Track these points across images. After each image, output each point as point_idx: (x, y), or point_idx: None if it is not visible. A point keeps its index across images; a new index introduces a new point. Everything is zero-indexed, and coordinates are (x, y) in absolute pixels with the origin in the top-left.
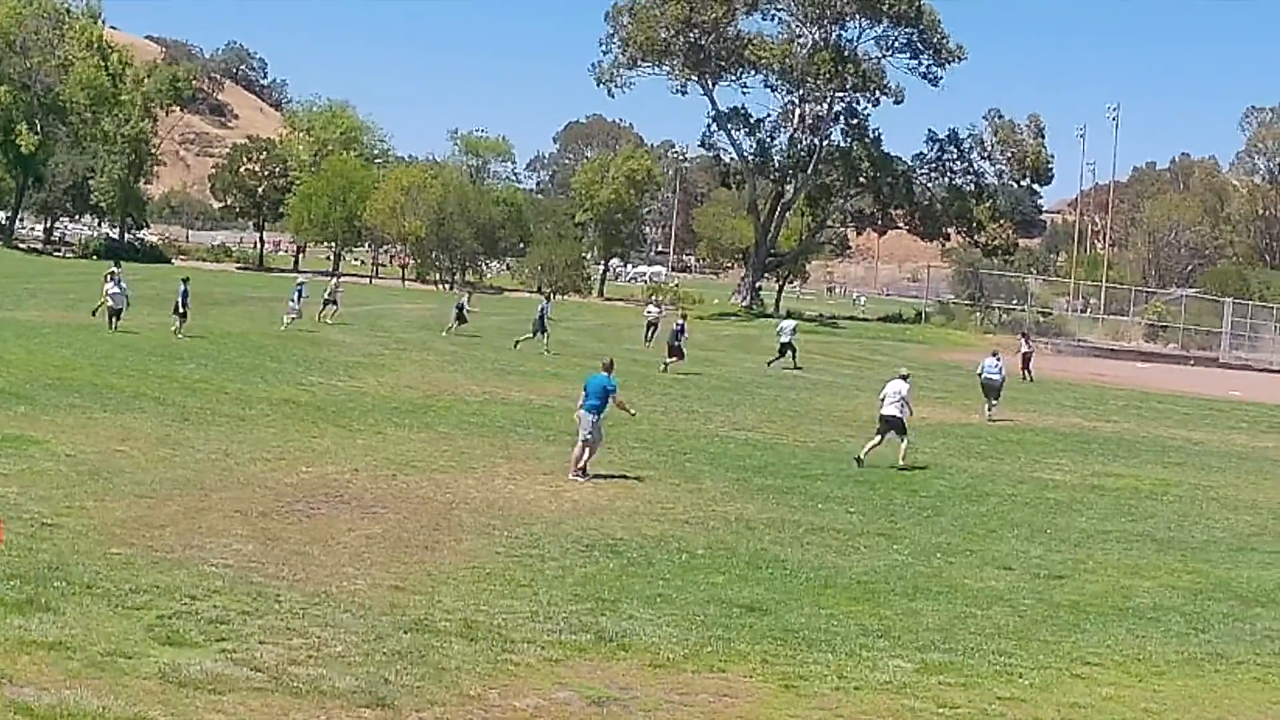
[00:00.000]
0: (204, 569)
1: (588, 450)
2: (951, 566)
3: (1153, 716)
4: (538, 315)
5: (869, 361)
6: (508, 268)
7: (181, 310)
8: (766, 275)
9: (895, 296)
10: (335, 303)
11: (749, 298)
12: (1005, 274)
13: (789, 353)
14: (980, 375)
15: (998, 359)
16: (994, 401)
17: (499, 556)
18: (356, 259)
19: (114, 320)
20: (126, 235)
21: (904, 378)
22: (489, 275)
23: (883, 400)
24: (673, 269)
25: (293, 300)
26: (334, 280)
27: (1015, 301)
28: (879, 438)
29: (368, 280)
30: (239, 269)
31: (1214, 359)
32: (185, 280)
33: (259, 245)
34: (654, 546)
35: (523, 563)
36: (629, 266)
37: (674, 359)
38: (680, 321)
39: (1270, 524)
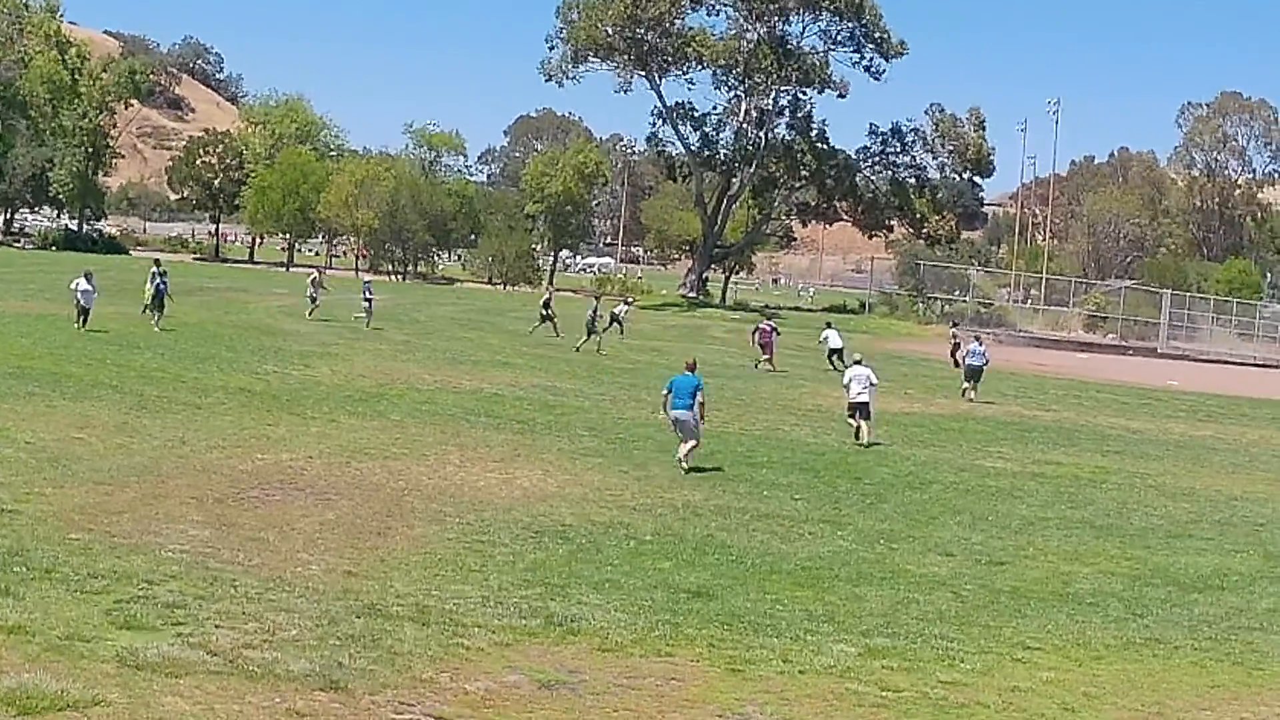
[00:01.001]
0: (161, 554)
1: (694, 444)
2: (895, 553)
3: (1092, 700)
4: (589, 317)
5: (814, 352)
6: (459, 259)
7: (161, 303)
8: (713, 266)
9: (839, 287)
10: (316, 300)
11: (696, 289)
12: (947, 265)
13: (835, 358)
14: (965, 360)
15: (981, 343)
16: (976, 384)
17: (450, 542)
18: (311, 250)
19: (83, 318)
20: (85, 226)
21: (859, 362)
22: (441, 266)
23: (848, 387)
24: (621, 260)
25: (365, 300)
26: (316, 274)
27: (957, 292)
28: (856, 423)
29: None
30: (195, 260)
31: (1152, 349)
32: (164, 274)
33: (215, 237)
34: (602, 533)
35: (474, 549)
36: (578, 258)
37: (766, 356)
38: (770, 324)
39: (1207, 511)
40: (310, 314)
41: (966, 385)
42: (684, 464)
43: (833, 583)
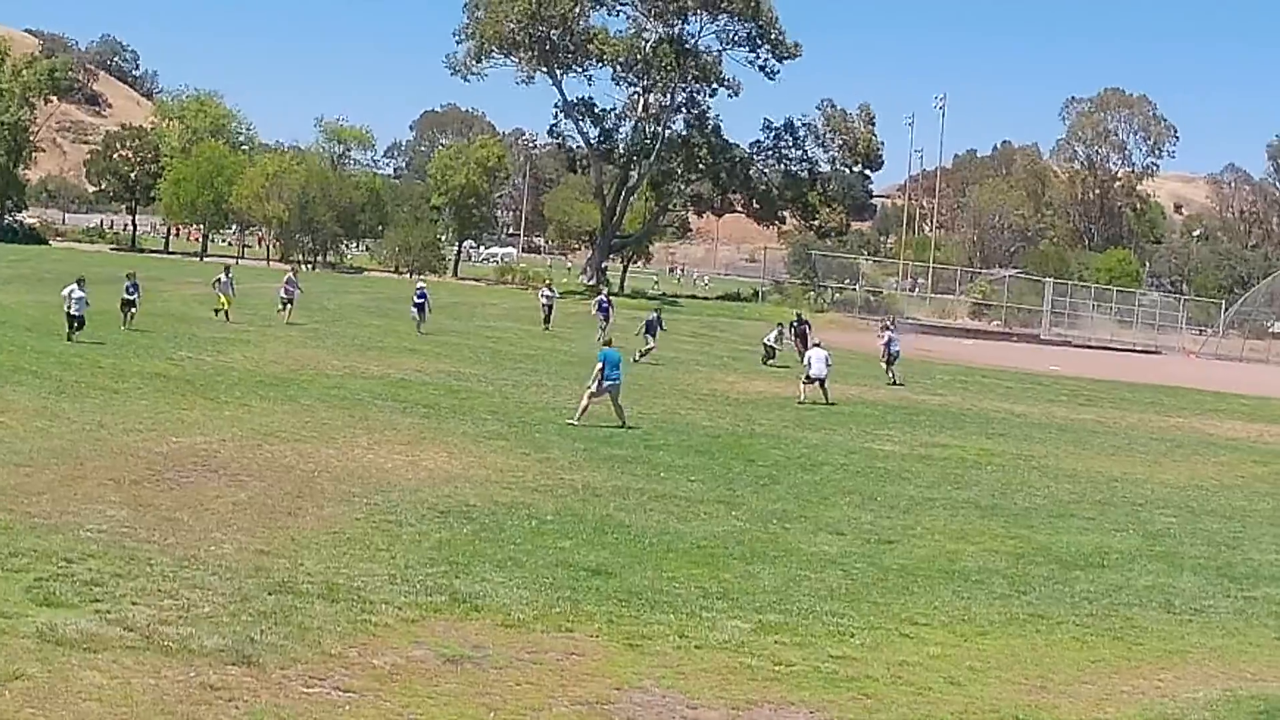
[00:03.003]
0: (79, 534)
1: (618, 407)
2: (787, 532)
3: (977, 674)
4: (645, 325)
5: (708, 337)
6: (367, 249)
7: (130, 301)
8: (612, 256)
9: (734, 276)
10: (291, 300)
11: (595, 278)
12: (838, 255)
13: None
14: (889, 347)
15: (894, 331)
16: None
17: (358, 522)
18: (225, 240)
19: (75, 327)
20: (6, 218)
21: (818, 345)
22: (349, 256)
23: (809, 364)
24: (523, 250)
25: (416, 302)
26: (291, 273)
27: (847, 281)
28: (807, 387)
29: (235, 261)
30: (113, 250)
31: (1035, 335)
32: (130, 275)
33: (132, 227)
34: (505, 513)
35: (381, 528)
36: (481, 248)
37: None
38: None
39: (1088, 492)
40: (285, 315)
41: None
42: (624, 420)
43: (727, 561)
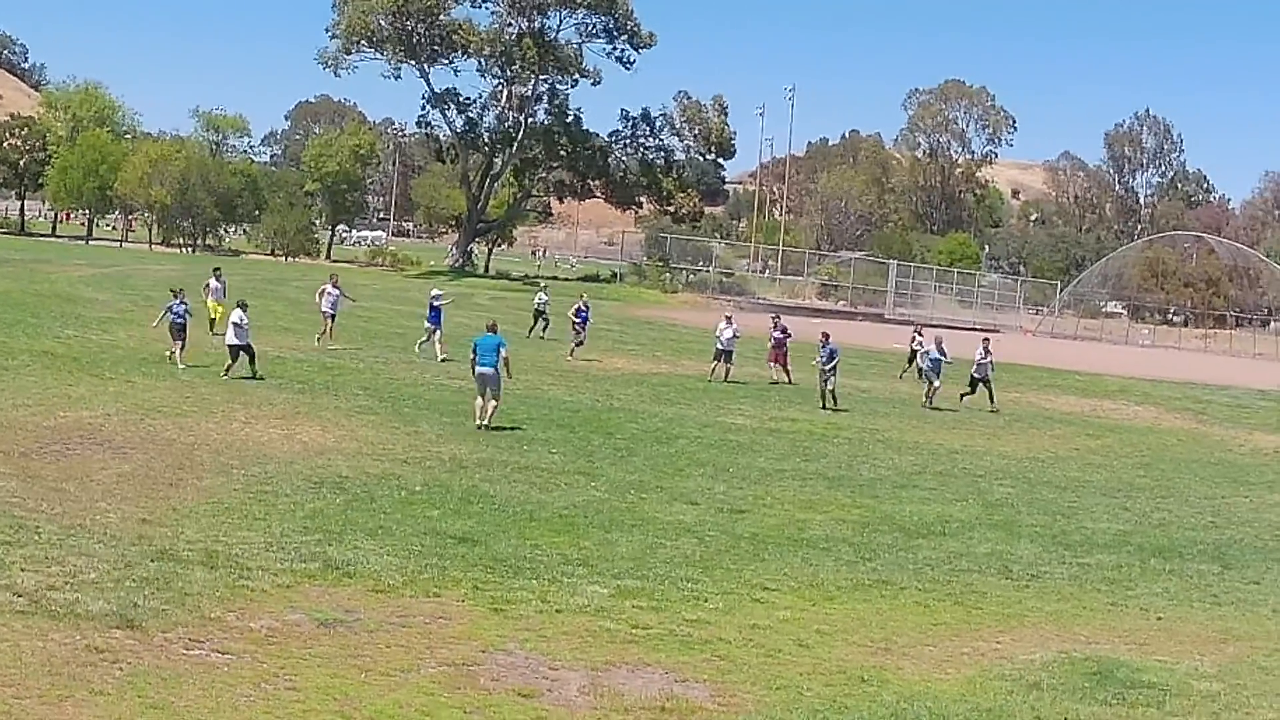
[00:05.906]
0: None
1: (493, 403)
2: (644, 502)
3: (825, 637)
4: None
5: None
6: (244, 233)
7: (182, 326)
8: (477, 240)
9: (593, 259)
10: (334, 315)
11: (461, 260)
12: (692, 239)
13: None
14: (717, 337)
15: (731, 323)
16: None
17: (237, 493)
18: (109, 225)
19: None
20: None
21: (729, 319)
22: (228, 240)
23: (719, 338)
24: (393, 234)
25: (430, 323)
26: (330, 284)
27: (701, 263)
28: (717, 363)
29: (118, 244)
30: (2, 234)
31: (880, 315)
32: (177, 293)
33: (21, 213)
34: (376, 484)
35: (258, 498)
36: (353, 231)
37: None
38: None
39: (930, 463)
40: (330, 340)
41: (936, 385)
42: (484, 424)
43: (587, 529)
